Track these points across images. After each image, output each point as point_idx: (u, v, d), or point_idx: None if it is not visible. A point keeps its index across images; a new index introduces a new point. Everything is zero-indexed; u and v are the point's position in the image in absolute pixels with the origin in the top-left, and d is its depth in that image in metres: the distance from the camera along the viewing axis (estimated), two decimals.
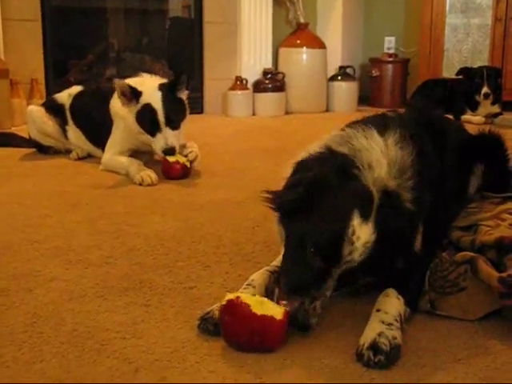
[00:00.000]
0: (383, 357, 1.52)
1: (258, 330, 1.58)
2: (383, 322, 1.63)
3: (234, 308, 1.59)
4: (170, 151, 3.58)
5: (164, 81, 3.79)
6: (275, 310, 1.60)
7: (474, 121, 5.98)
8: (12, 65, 5.50)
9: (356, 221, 1.64)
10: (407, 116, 2.34)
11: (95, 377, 1.49)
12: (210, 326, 1.69)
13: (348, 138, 1.89)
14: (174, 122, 3.61)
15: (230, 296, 1.63)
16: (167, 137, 3.57)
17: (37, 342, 1.66)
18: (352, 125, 2.06)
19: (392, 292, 1.76)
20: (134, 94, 3.59)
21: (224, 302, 1.61)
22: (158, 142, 3.58)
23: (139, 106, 3.60)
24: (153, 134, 3.60)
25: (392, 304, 1.71)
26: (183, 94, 3.73)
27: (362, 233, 1.64)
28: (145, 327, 1.75)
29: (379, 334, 1.57)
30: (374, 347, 1.54)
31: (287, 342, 1.64)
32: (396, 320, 1.65)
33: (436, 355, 1.61)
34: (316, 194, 1.69)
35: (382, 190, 1.73)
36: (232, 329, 1.60)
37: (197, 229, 2.66)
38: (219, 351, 1.61)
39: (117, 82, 3.61)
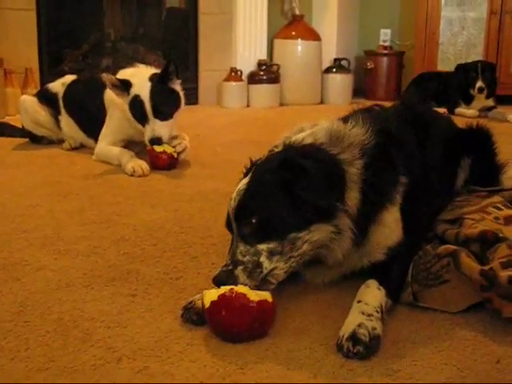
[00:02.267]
0: (362, 347, 1.54)
1: (257, 316, 1.61)
2: (363, 313, 1.65)
3: (230, 301, 1.59)
4: (155, 141, 3.60)
5: (157, 71, 3.80)
6: (264, 294, 1.64)
7: (467, 114, 5.99)
8: (6, 54, 5.49)
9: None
10: (392, 110, 2.37)
11: (79, 365, 1.51)
12: (192, 316, 1.71)
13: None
14: (162, 113, 3.63)
15: (213, 292, 1.63)
16: (154, 128, 3.59)
17: (22, 331, 1.68)
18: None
19: (373, 283, 1.78)
20: (124, 86, 3.61)
21: (213, 299, 1.61)
22: (146, 132, 3.62)
23: (130, 97, 3.63)
24: (142, 124, 3.64)
25: (373, 295, 1.74)
26: (176, 84, 3.74)
27: (237, 188, 1.81)
28: (130, 317, 1.77)
29: (359, 325, 1.59)
30: (354, 338, 1.56)
31: (270, 333, 1.67)
32: (376, 311, 1.67)
33: (416, 346, 1.63)
34: None
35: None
36: (231, 321, 1.59)
37: (186, 219, 2.68)
38: (202, 341, 1.63)
39: (105, 76, 3.64)
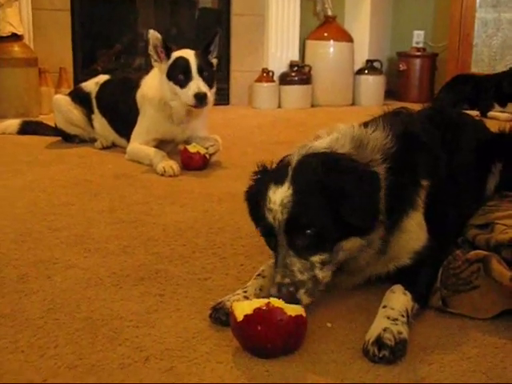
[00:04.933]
0: (387, 352, 1.53)
1: (293, 332, 1.57)
2: (388, 318, 1.64)
3: (268, 315, 1.54)
4: (201, 97, 3.58)
5: None
6: (299, 308, 1.60)
7: (500, 117, 5.91)
8: (41, 54, 5.58)
9: (270, 191, 1.75)
10: (419, 113, 2.35)
11: (106, 364, 1.52)
12: (221, 316, 1.72)
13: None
14: (205, 75, 3.64)
15: (246, 304, 1.59)
16: (199, 84, 3.59)
17: (52, 328, 1.70)
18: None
19: (398, 288, 1.77)
20: (165, 49, 3.68)
21: (247, 313, 1.54)
22: (190, 89, 3.60)
23: (170, 60, 3.69)
24: (184, 85, 3.63)
25: (398, 300, 1.73)
26: (213, 60, 3.80)
27: (276, 197, 1.73)
28: (158, 317, 1.78)
29: (384, 330, 1.58)
30: (379, 342, 1.55)
31: None
32: (402, 315, 1.66)
33: (444, 352, 1.61)
34: None
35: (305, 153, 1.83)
36: (267, 337, 1.54)
37: (215, 220, 2.69)
38: (229, 342, 1.63)
39: (151, 32, 3.72)
